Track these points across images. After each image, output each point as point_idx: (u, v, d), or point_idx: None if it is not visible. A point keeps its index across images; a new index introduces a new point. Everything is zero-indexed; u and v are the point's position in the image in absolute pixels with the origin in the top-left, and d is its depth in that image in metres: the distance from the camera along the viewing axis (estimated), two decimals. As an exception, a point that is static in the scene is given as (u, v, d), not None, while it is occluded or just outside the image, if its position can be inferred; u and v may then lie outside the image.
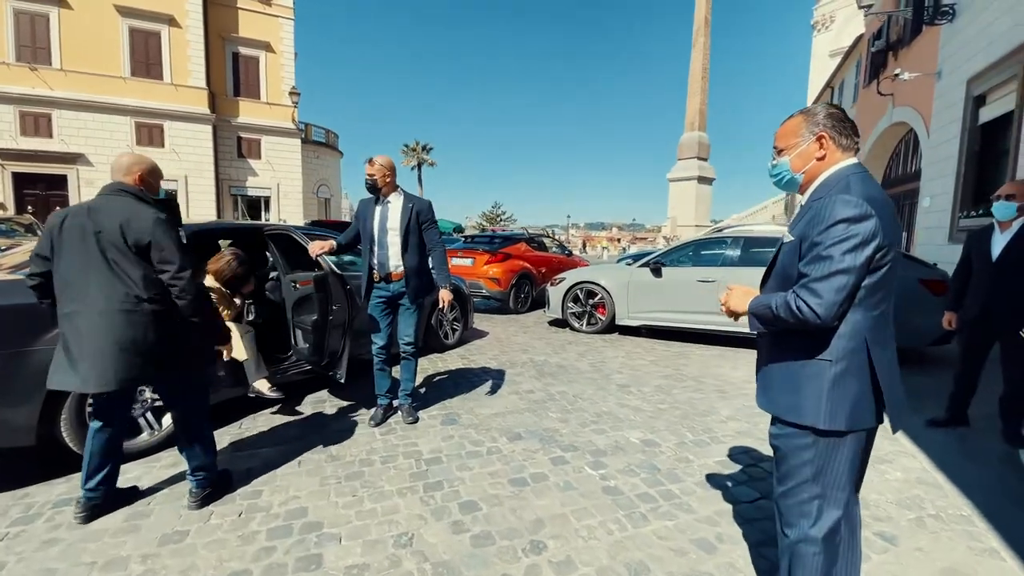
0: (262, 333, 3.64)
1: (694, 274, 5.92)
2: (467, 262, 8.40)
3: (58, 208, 2.15)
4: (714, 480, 2.68)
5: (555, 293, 7.04)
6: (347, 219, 19.21)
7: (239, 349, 3.21)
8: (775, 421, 1.46)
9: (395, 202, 3.31)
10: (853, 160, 1.39)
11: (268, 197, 22.40)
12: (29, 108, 17.32)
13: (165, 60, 19.12)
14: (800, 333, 1.33)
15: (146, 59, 18.86)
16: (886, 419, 1.37)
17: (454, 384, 4.36)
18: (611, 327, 6.63)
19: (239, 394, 3.29)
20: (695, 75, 24.77)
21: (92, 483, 2.20)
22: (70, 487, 2.47)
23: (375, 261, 3.32)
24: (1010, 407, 3.11)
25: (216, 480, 2.42)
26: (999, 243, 3.04)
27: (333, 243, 3.25)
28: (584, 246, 36.65)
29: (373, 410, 3.49)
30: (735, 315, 1.50)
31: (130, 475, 2.61)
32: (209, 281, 3.27)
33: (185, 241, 2.16)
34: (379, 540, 2.11)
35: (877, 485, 2.62)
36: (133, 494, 2.41)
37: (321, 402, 3.84)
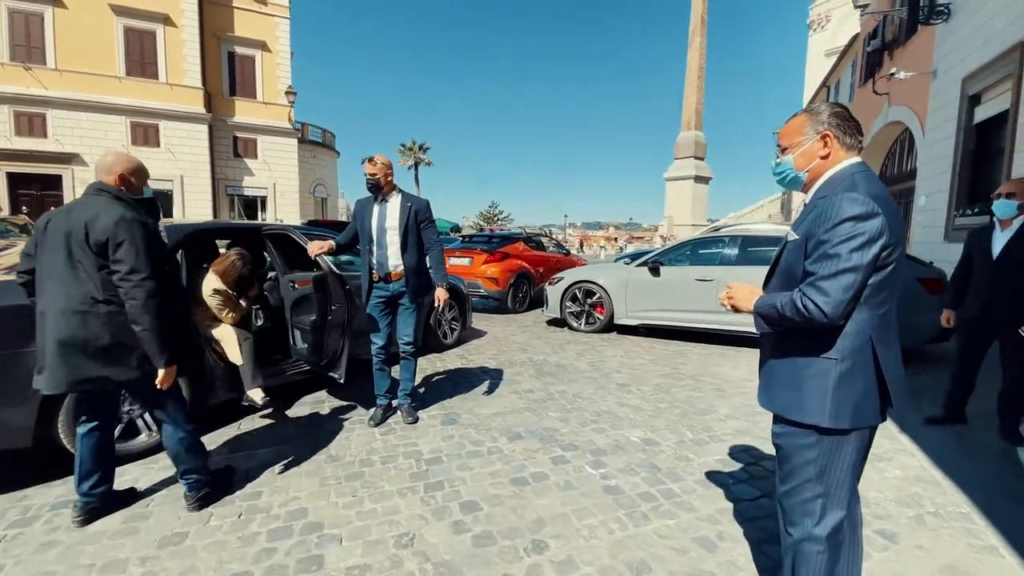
0: (260, 334, 3.63)
1: (692, 273, 5.93)
2: (465, 262, 8.39)
3: (52, 208, 2.13)
4: (714, 478, 2.68)
5: (553, 292, 7.04)
6: (343, 219, 19.19)
7: (235, 353, 3.19)
8: (778, 420, 1.46)
9: (393, 202, 3.30)
10: (857, 159, 1.39)
11: (264, 197, 22.33)
12: (23, 108, 17.21)
13: (160, 59, 19.02)
14: (804, 332, 1.33)
15: (141, 58, 18.77)
16: (887, 417, 1.37)
17: (453, 384, 4.35)
18: (609, 326, 6.63)
19: (235, 397, 3.27)
20: (691, 74, 24.81)
21: (85, 487, 2.18)
22: (68, 489, 2.45)
23: (374, 261, 3.31)
24: (1009, 404, 3.13)
25: (210, 481, 2.40)
26: (1000, 241, 3.05)
27: (332, 243, 3.24)
28: (581, 245, 36.66)
29: (372, 410, 3.48)
30: (737, 310, 1.50)
31: (128, 476, 2.60)
32: (215, 282, 3.25)
33: (166, 241, 2.13)
34: (380, 540, 2.10)
35: (876, 483, 2.63)
36: (131, 496, 2.40)
37: (320, 402, 3.83)
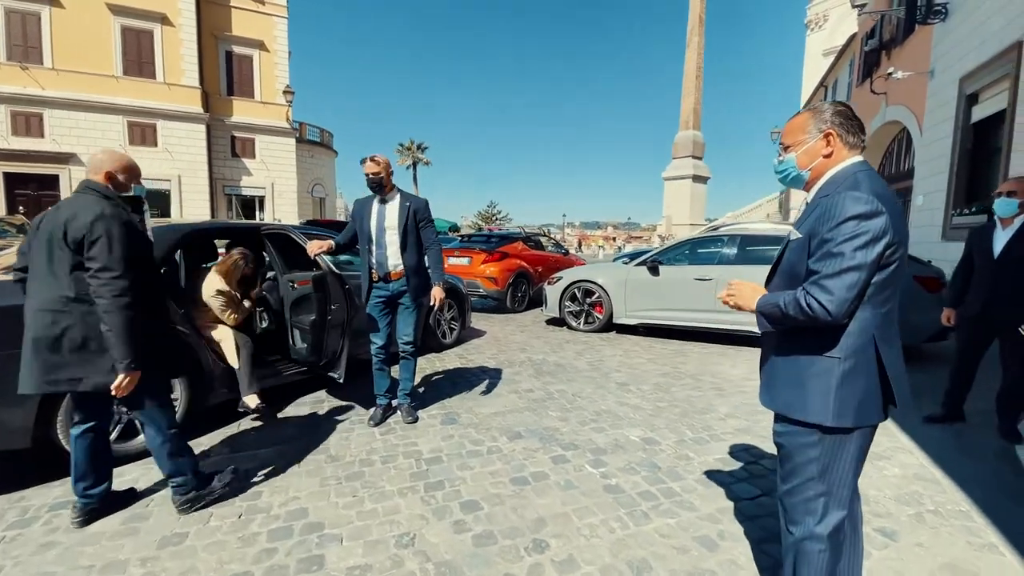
0: (262, 336, 3.61)
1: (691, 272, 5.94)
2: (464, 261, 8.39)
3: (49, 208, 2.12)
4: (715, 477, 2.68)
5: (552, 292, 7.04)
6: (342, 218, 19.16)
7: (232, 357, 3.18)
8: (779, 419, 1.46)
9: (392, 201, 3.30)
10: (859, 158, 1.39)
11: (263, 197, 22.27)
12: (20, 108, 17.14)
13: (158, 59, 18.95)
14: (807, 330, 1.33)
15: (139, 58, 18.69)
16: (888, 415, 1.38)
17: (453, 384, 4.35)
18: (608, 326, 6.63)
19: (234, 398, 3.26)
20: (689, 74, 24.83)
21: (82, 488, 2.16)
22: (67, 490, 2.43)
23: (373, 260, 3.31)
24: (1008, 403, 3.14)
25: (198, 485, 2.33)
26: (1001, 240, 3.06)
27: (332, 243, 3.24)
28: (580, 245, 36.67)
29: (372, 410, 3.47)
30: (739, 309, 1.50)
31: (128, 477, 2.59)
32: (218, 283, 3.24)
33: (152, 240, 2.11)
34: (381, 540, 2.10)
35: (876, 481, 2.64)
36: (131, 496, 2.39)
37: (320, 402, 3.82)
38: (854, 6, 11.25)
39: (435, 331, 5.51)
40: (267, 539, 2.10)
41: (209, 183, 20.41)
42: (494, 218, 49.90)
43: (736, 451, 3.01)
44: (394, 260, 3.27)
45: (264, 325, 3.97)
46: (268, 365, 3.68)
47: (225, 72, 20.99)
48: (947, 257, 7.83)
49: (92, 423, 2.18)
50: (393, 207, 3.28)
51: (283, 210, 22.29)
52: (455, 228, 31.75)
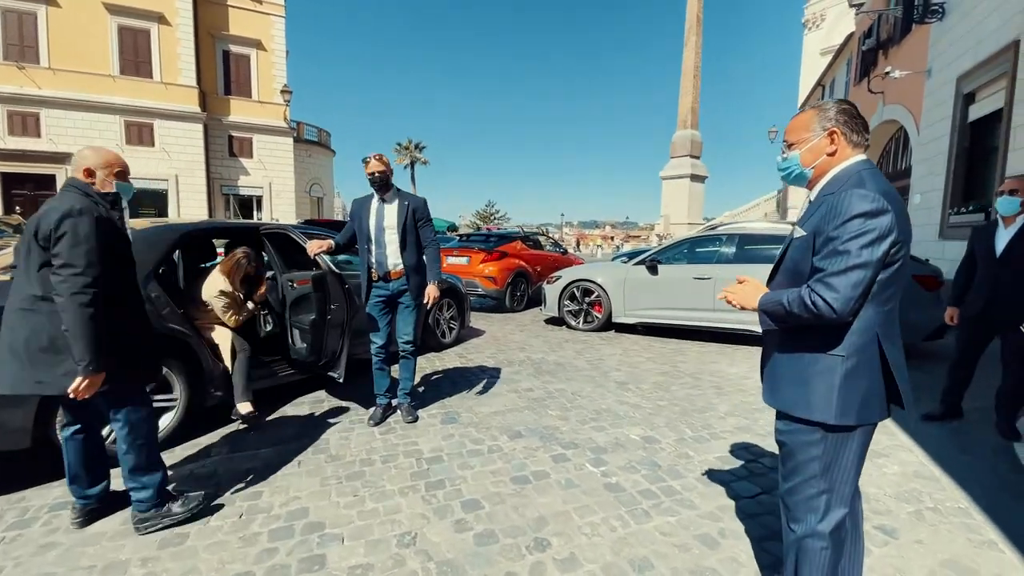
0: (255, 335, 3.60)
1: (690, 271, 5.94)
2: (463, 261, 8.39)
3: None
4: (715, 476, 2.69)
5: (551, 291, 7.04)
6: (339, 218, 19.12)
7: (227, 360, 3.17)
8: (781, 416, 1.46)
9: (391, 200, 3.29)
10: (863, 156, 1.39)
11: (260, 196, 22.22)
12: (17, 107, 17.07)
13: (155, 58, 18.89)
14: (810, 329, 1.33)
15: (135, 57, 18.63)
16: (891, 413, 1.38)
17: (452, 383, 4.35)
18: (607, 325, 6.63)
19: (229, 399, 3.24)
20: (687, 73, 24.85)
21: (76, 489, 2.15)
22: (66, 491, 2.41)
23: (373, 260, 3.30)
24: (1008, 401, 3.15)
25: (159, 504, 2.19)
26: (1003, 238, 3.07)
27: (331, 242, 3.24)
28: (578, 244, 36.69)
29: (372, 409, 3.47)
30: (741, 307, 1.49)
31: (127, 477, 2.58)
32: (222, 283, 3.23)
33: (129, 239, 2.06)
34: (382, 540, 2.10)
35: (875, 479, 2.65)
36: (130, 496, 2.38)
37: (319, 402, 3.82)
38: (851, 5, 11.27)
39: (434, 330, 5.51)
40: (268, 539, 2.10)
41: (206, 183, 20.36)
42: (492, 217, 49.88)
43: (736, 449, 3.02)
44: (394, 259, 3.26)
45: (268, 328, 3.95)
46: (264, 366, 3.67)
47: (222, 71, 20.93)
48: (944, 256, 7.86)
49: (82, 425, 2.14)
50: (392, 206, 3.28)
51: (281, 210, 22.25)
52: (453, 227, 31.73)
